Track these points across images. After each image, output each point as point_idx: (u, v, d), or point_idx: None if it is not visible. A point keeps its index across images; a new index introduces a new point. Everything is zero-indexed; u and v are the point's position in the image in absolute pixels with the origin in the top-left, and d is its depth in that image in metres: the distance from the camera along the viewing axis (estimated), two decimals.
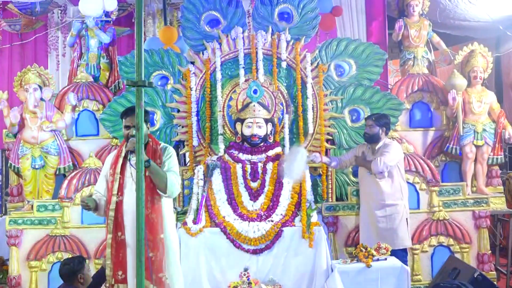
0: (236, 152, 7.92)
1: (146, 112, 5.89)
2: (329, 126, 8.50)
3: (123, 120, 5.86)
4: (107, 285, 5.87)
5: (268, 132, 7.94)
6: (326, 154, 8.33)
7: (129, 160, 5.81)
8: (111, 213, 5.72)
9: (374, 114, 7.84)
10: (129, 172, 5.79)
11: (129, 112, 5.86)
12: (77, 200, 8.13)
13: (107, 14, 10.03)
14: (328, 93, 8.55)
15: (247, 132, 7.83)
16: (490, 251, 8.29)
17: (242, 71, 8.43)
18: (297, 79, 8.47)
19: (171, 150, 6.01)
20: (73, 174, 8.36)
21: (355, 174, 8.37)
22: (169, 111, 8.60)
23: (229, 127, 8.49)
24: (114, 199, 5.73)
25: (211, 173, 7.65)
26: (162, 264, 5.77)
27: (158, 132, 8.56)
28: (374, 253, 6.86)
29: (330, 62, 8.63)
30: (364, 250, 6.90)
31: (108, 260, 5.77)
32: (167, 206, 5.96)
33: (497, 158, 9.00)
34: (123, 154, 5.84)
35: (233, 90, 8.49)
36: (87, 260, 7.16)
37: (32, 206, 8.30)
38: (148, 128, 6.20)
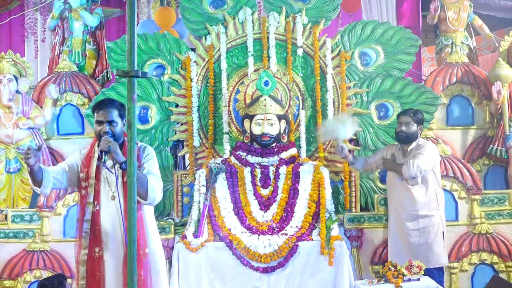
0: (244, 153, 7.93)
1: (122, 105, 5.87)
2: None
3: (95, 114, 5.81)
4: None
5: (282, 131, 7.95)
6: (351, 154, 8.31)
7: (104, 162, 5.75)
8: (86, 225, 5.67)
9: (409, 109, 7.82)
10: (104, 177, 5.77)
11: (102, 105, 5.85)
12: (59, 209, 8.17)
13: None
14: (352, 85, 8.55)
15: (257, 130, 7.83)
16: None
17: (251, 60, 8.44)
18: (316, 68, 8.47)
19: (150, 150, 5.99)
20: None
21: (383, 180, 8.36)
22: (166, 106, 8.61)
23: (235, 124, 8.50)
24: (89, 209, 5.68)
25: (214, 178, 7.66)
26: (147, 285, 5.75)
27: (153, 130, 8.57)
28: (405, 272, 6.85)
29: (354, 49, 8.62)
30: (393, 268, 6.89)
31: (82, 280, 5.72)
32: (148, 216, 5.95)
33: None
34: (96, 155, 5.80)
35: (241, 81, 8.49)
36: (69, 280, 7.19)
37: (6, 216, 8.32)
38: (124, 125, 6.05)
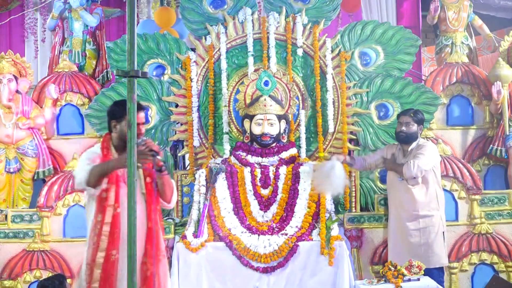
0: (244, 154, 7.93)
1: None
2: (352, 124, 8.50)
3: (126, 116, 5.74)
4: None
5: (281, 131, 7.96)
6: (350, 155, 8.29)
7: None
8: (106, 228, 5.62)
9: (409, 109, 7.82)
10: (124, 179, 5.73)
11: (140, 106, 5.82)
12: (58, 209, 8.16)
13: None
14: (352, 85, 8.55)
15: (256, 130, 7.83)
16: None
17: (251, 60, 8.43)
18: (316, 68, 8.47)
19: None
20: (54, 179, 8.38)
21: (383, 180, 8.36)
22: (166, 106, 8.61)
23: (235, 124, 8.50)
24: (110, 211, 5.64)
25: (214, 178, 7.66)
26: (165, 285, 5.77)
27: (153, 130, 8.57)
28: (405, 272, 6.84)
29: (354, 49, 8.62)
30: (393, 268, 6.88)
31: (96, 282, 5.68)
32: None
33: None
34: (116, 157, 5.77)
35: (241, 81, 8.49)
36: (69, 280, 7.18)
37: (6, 216, 8.31)
38: None
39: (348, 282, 6.95)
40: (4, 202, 8.75)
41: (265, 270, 7.06)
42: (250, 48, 8.45)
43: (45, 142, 8.94)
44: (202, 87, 8.58)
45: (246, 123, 7.98)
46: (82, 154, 5.86)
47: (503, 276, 8.06)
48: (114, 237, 5.59)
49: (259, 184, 7.70)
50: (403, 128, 7.60)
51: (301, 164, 7.82)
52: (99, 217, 5.63)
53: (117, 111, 5.81)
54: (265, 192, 7.67)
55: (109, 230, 5.58)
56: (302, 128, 8.38)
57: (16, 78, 8.86)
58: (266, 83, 7.92)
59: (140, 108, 5.78)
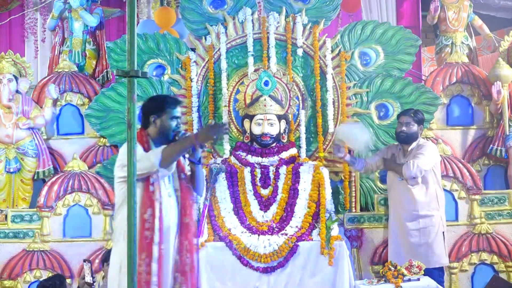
0: (244, 153, 7.92)
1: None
2: None
3: (169, 110, 5.77)
4: None
5: (281, 131, 7.95)
6: (350, 154, 8.27)
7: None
8: (157, 222, 5.60)
9: (409, 109, 7.82)
10: (161, 173, 5.76)
11: (178, 101, 5.92)
12: (58, 209, 8.15)
13: None
14: (352, 85, 8.55)
15: (256, 130, 7.83)
16: None
17: (251, 60, 8.43)
18: (316, 68, 8.47)
19: None
20: (54, 179, 8.37)
21: (383, 180, 8.35)
22: None
23: (235, 124, 8.51)
24: (158, 205, 5.63)
25: (214, 178, 7.64)
26: (200, 278, 5.82)
27: None
28: (405, 272, 6.84)
29: (354, 49, 8.63)
30: (393, 268, 6.88)
31: (155, 277, 5.67)
32: None
33: None
34: None
35: (241, 81, 8.48)
36: (69, 280, 7.17)
37: (5, 216, 8.31)
38: None
39: (348, 282, 6.95)
40: (4, 202, 8.74)
41: (265, 270, 7.06)
42: (250, 48, 8.45)
43: (45, 142, 8.94)
44: (202, 87, 8.58)
45: (246, 123, 7.98)
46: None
47: (503, 276, 8.06)
48: (162, 231, 5.61)
49: (259, 184, 7.69)
50: (403, 128, 7.59)
51: (301, 164, 7.81)
52: (149, 211, 5.61)
53: (157, 106, 5.85)
54: (265, 192, 7.66)
55: (159, 224, 5.58)
56: (302, 128, 8.38)
57: (16, 78, 8.85)
58: (266, 83, 7.92)
59: (179, 102, 5.90)
